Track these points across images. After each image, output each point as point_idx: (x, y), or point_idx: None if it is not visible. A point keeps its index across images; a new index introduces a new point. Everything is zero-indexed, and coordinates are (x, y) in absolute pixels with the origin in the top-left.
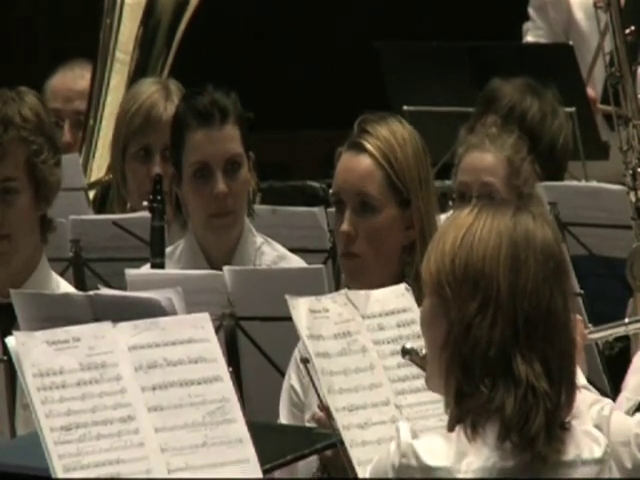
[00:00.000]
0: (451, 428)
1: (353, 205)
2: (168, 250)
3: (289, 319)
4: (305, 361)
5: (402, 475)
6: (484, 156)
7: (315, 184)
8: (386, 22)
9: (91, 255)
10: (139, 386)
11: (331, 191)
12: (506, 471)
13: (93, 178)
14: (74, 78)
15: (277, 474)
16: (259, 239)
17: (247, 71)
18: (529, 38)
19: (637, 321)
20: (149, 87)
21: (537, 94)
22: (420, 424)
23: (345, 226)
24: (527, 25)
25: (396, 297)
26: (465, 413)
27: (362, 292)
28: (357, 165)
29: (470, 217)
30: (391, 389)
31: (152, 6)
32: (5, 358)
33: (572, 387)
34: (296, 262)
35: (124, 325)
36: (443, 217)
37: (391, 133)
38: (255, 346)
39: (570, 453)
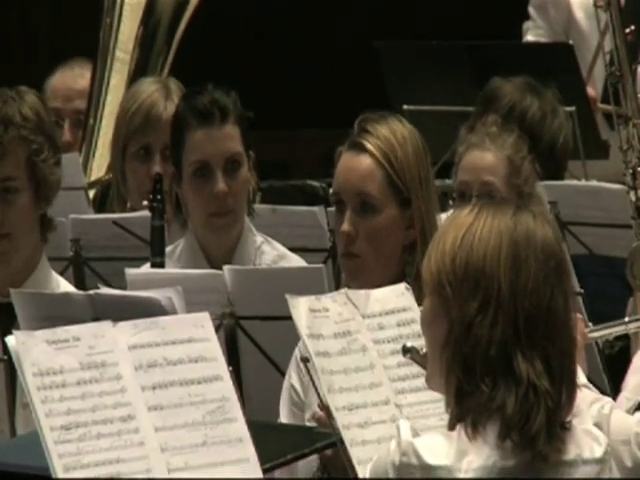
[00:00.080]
0: (452, 427)
1: (353, 205)
2: (168, 249)
3: (289, 318)
4: (305, 360)
5: (402, 474)
6: (484, 155)
7: (315, 183)
8: (386, 22)
9: (91, 254)
10: (139, 385)
11: (331, 191)
12: (507, 470)
13: (93, 177)
14: (74, 77)
15: (277, 473)
16: (259, 238)
17: (247, 71)
18: (529, 37)
19: (637, 320)
20: (149, 86)
21: (537, 93)
22: (420, 423)
23: (345, 226)
24: (527, 24)
25: (396, 296)
26: (466, 412)
27: (362, 291)
28: (357, 165)
29: (470, 216)
30: (391, 388)
31: (152, 5)
32: (5, 357)
33: (573, 386)
34: (296, 261)
35: (124, 324)
36: (443, 216)
37: (391, 132)
38: (255, 345)
39: (571, 452)
